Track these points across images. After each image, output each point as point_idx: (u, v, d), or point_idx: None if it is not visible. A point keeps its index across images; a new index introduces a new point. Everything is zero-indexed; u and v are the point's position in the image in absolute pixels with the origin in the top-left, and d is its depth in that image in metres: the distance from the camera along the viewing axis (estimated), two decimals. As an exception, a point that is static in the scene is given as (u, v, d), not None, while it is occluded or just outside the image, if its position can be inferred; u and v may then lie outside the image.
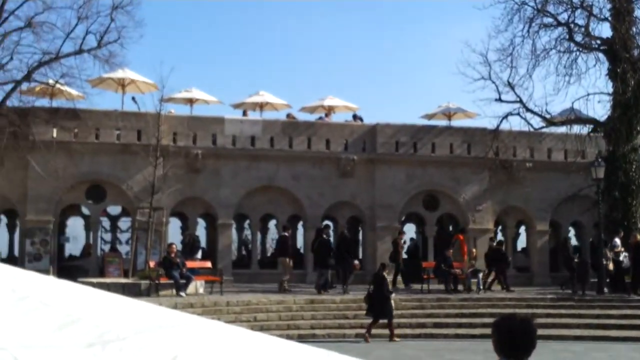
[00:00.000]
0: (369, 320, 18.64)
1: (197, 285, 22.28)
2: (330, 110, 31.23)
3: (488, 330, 4.34)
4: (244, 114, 29.82)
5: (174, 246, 22.63)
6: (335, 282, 24.12)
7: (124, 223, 30.31)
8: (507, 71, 27.34)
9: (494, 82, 27.43)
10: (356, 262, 24.77)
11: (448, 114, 31.47)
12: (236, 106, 31.32)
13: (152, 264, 22.62)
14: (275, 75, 67.69)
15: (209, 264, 24.39)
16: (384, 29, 72.99)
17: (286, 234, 24.91)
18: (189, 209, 27.81)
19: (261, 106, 31.19)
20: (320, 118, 30.36)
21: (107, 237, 31.30)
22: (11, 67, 23.62)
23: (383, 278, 19.11)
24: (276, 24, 74.67)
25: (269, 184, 27.72)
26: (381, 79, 73.50)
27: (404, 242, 26.90)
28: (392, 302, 18.93)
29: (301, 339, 16.50)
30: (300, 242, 30.48)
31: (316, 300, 21.97)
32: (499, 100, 27.64)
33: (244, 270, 28.05)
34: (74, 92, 25.79)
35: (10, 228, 30.61)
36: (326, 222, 27.52)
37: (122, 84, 28.48)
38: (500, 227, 30.28)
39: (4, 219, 29.98)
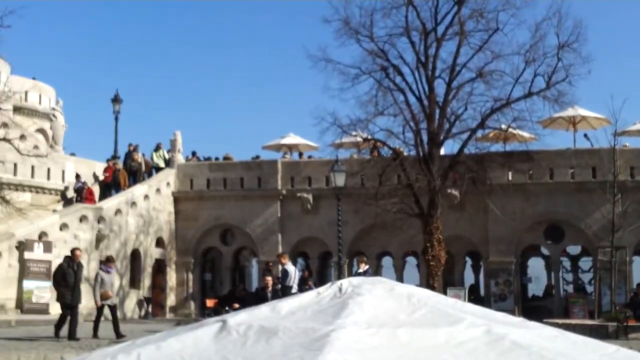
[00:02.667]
0: None
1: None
2: None
3: None
4: None
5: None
6: None
7: (585, 263, 29.62)
8: None
9: None
10: None
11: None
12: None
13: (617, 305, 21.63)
14: None
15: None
16: None
17: None
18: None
19: None
20: None
21: (569, 277, 30.85)
22: (466, 116, 25.04)
23: None
24: None
25: None
26: None
27: None
28: None
29: None
30: None
31: None
32: None
33: None
34: (525, 134, 26.27)
35: (475, 269, 32.11)
36: None
37: (572, 121, 28.20)
38: None
39: (469, 261, 31.56)
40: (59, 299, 16.09)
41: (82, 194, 27.08)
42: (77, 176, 27.89)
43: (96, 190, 28.34)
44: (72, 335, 15.53)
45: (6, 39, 16.02)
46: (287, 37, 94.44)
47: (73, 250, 16.72)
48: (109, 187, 28.30)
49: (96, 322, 16.42)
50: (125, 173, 28.42)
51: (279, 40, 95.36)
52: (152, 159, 30.14)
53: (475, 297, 27.15)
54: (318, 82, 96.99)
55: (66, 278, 15.76)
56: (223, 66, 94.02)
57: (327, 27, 25.21)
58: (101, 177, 29.13)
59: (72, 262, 15.99)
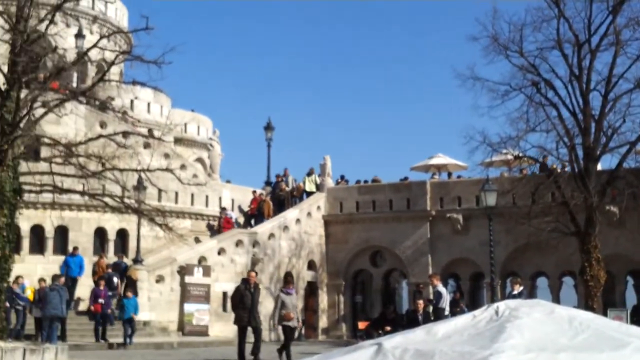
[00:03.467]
0: None
1: None
2: None
3: None
4: None
5: None
6: None
7: None
8: None
9: None
10: None
11: None
12: None
13: None
14: None
15: None
16: None
17: None
18: None
19: None
20: None
21: None
22: (624, 129, 23.88)
23: None
24: None
25: None
26: None
27: None
28: None
29: None
30: None
31: None
32: None
33: None
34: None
35: (637, 289, 30.47)
36: None
37: None
38: None
39: (630, 280, 29.97)
40: (236, 321, 16.23)
41: (220, 222, 27.83)
42: (223, 208, 28.60)
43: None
44: (256, 357, 15.70)
45: (167, 74, 17.11)
46: (434, 56, 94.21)
47: (249, 273, 17.00)
48: (254, 218, 28.91)
49: (283, 346, 16.21)
50: (269, 203, 28.90)
51: (425, 60, 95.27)
52: (304, 183, 30.80)
53: (638, 319, 25.70)
54: (466, 101, 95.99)
55: (243, 300, 15.92)
56: (370, 89, 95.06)
57: (475, 45, 24.88)
58: (246, 209, 29.78)
59: (248, 285, 16.12)
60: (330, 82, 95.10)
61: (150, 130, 29.22)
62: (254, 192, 30.25)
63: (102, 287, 21.17)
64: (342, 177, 32.08)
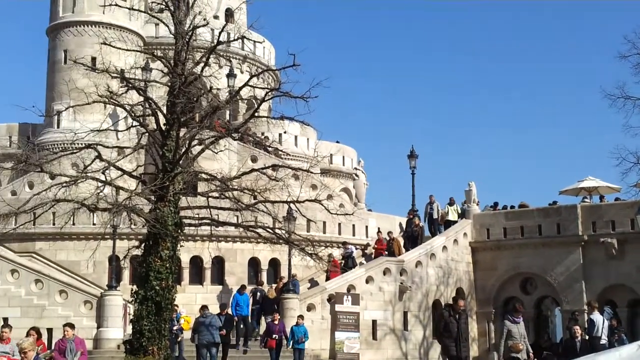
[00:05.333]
0: None
1: None
2: None
3: None
4: None
5: None
6: None
7: None
8: None
9: None
10: None
11: None
12: None
13: None
14: None
15: None
16: None
17: None
18: None
19: None
20: None
21: None
22: None
23: None
24: None
25: None
26: None
27: None
28: None
29: None
30: None
31: None
32: None
33: None
34: None
35: None
36: None
37: None
38: None
39: None
40: (444, 351, 15.42)
41: (352, 262, 27.38)
42: (344, 243, 28.12)
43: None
44: None
45: (313, 108, 17.61)
46: (581, 77, 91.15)
47: (455, 299, 16.12)
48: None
49: None
50: (399, 241, 28.25)
51: (572, 82, 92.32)
52: (447, 213, 30.59)
53: None
54: (617, 121, 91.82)
55: (449, 328, 14.99)
56: (514, 113, 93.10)
57: (625, 63, 24.08)
58: (369, 250, 29.18)
59: (453, 311, 15.21)
60: (473, 108, 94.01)
61: (297, 163, 30.10)
62: (379, 232, 29.52)
63: (276, 322, 21.25)
64: (496, 204, 31.46)
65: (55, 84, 33.16)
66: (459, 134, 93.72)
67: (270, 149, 31.86)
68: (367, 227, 30.00)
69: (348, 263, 27.25)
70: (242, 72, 36.96)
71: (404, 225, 30.51)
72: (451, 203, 30.74)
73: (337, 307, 24.77)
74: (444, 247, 28.79)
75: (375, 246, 28.60)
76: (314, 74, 16.99)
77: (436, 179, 79.49)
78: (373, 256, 28.14)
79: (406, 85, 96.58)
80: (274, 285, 25.54)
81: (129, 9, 29.51)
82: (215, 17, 37.63)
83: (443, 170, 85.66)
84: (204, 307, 20.93)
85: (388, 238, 28.08)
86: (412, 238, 29.13)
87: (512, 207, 31.05)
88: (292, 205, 19.72)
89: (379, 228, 29.81)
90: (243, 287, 24.29)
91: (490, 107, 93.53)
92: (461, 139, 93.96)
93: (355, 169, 37.30)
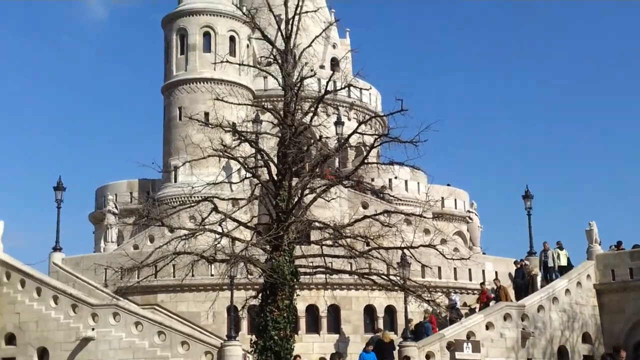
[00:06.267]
0: None
1: None
2: None
3: None
4: None
5: None
6: None
7: None
8: None
9: None
10: None
11: None
12: None
13: None
14: None
15: None
16: None
17: None
18: None
19: None
20: None
21: None
22: None
23: None
24: None
25: None
26: None
27: None
28: None
29: None
30: None
31: None
32: None
33: None
34: None
35: None
36: None
37: None
38: None
39: None
40: None
41: (456, 313, 26.38)
42: (447, 293, 27.18)
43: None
44: None
45: (423, 152, 17.51)
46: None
47: (617, 349, 15.16)
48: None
49: None
50: (506, 289, 27.03)
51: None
52: (558, 257, 29.20)
53: None
54: None
55: None
56: (631, 148, 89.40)
57: None
58: (473, 304, 27.96)
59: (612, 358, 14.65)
60: (587, 146, 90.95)
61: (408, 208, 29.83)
62: (482, 283, 28.48)
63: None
64: (619, 243, 30.05)
65: (171, 139, 34.43)
66: (574, 173, 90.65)
67: (382, 195, 31.74)
68: (483, 271, 29.21)
69: (452, 314, 26.37)
70: (349, 120, 37.26)
71: (512, 274, 29.28)
72: (560, 247, 29.38)
73: (457, 355, 24.07)
74: (567, 291, 27.62)
75: (480, 301, 27.08)
76: (423, 117, 16.87)
77: (550, 218, 76.84)
78: (477, 309, 27.06)
79: (517, 126, 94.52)
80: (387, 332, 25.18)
81: (239, 64, 30.43)
82: (322, 66, 38.25)
83: (558, 209, 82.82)
84: (332, 357, 20.59)
85: (495, 287, 27.16)
86: (524, 287, 27.88)
87: (635, 245, 29.55)
88: (406, 250, 19.48)
89: (496, 272, 29.00)
90: (368, 344, 23.49)
91: (605, 145, 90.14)
92: (577, 178, 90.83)
93: (468, 211, 36.58)
